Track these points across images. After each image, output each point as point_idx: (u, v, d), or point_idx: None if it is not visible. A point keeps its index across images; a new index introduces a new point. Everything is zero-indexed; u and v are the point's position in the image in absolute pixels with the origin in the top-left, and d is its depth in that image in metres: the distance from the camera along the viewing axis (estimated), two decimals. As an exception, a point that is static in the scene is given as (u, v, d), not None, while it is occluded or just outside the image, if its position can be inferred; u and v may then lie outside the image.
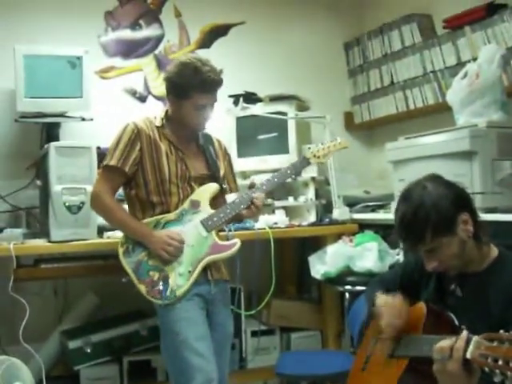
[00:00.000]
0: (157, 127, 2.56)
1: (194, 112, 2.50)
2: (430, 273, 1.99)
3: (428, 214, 1.82)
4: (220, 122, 3.46)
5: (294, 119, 3.82)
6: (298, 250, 4.12)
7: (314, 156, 2.71)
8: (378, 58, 4.27)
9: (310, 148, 2.72)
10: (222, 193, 2.65)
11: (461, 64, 3.49)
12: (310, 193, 3.82)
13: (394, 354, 1.95)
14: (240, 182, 3.42)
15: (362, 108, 4.45)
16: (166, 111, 2.62)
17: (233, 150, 3.89)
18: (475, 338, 1.50)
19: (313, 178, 3.83)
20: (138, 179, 2.53)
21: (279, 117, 3.74)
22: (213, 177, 2.62)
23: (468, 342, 1.52)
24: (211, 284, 2.51)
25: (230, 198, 2.64)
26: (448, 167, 2.75)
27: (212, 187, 2.59)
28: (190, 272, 2.43)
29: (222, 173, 2.68)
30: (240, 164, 3.88)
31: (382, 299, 2.03)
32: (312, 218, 3.77)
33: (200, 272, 2.45)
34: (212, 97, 2.51)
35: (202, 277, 2.47)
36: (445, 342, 1.58)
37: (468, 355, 1.49)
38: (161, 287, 2.38)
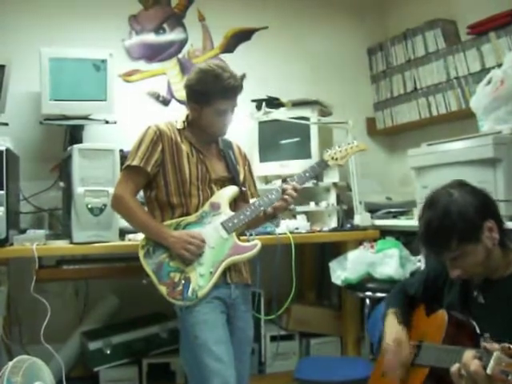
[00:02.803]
0: (178, 130, 2.57)
1: (215, 117, 2.52)
2: (453, 279, 1.98)
3: (454, 222, 1.81)
4: (242, 127, 3.51)
5: (316, 124, 3.81)
6: (318, 255, 4.09)
7: (332, 158, 2.71)
8: (402, 63, 4.24)
9: (327, 151, 2.73)
10: (242, 196, 2.66)
11: (485, 70, 3.46)
12: (332, 198, 3.81)
13: (414, 362, 1.94)
14: (262, 186, 3.59)
15: (385, 114, 4.42)
16: (187, 115, 2.64)
17: (255, 155, 3.89)
18: (496, 354, 1.48)
19: (334, 184, 3.81)
20: (159, 180, 2.52)
21: (302, 122, 3.73)
22: (233, 180, 2.62)
23: (480, 358, 1.52)
24: (231, 287, 2.50)
25: (251, 202, 2.64)
26: (471, 174, 2.70)
27: (232, 190, 2.59)
28: (211, 273, 2.41)
29: (241, 177, 2.68)
30: (262, 169, 3.88)
31: (389, 337, 2.06)
32: (333, 223, 3.75)
33: (221, 273, 2.44)
34: (232, 102, 2.52)
35: (221, 280, 2.46)
36: (456, 367, 1.58)
37: (489, 371, 1.48)
38: (182, 288, 2.38)
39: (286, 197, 2.52)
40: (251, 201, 2.64)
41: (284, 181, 2.60)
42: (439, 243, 1.84)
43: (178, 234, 2.44)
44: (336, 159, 2.71)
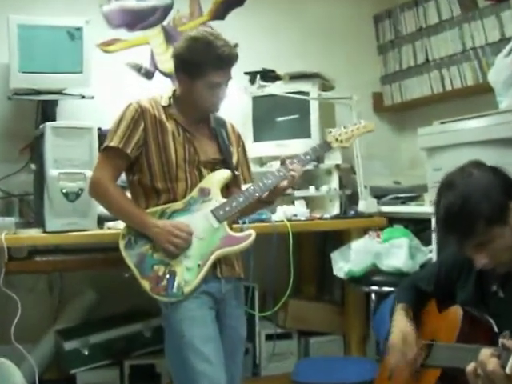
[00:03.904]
0: (163, 107, 2.56)
1: (208, 91, 2.50)
2: (468, 272, 1.98)
3: (479, 203, 1.80)
4: (234, 103, 3.45)
5: (316, 100, 3.77)
6: (319, 245, 4.07)
7: (336, 140, 2.71)
8: (412, 32, 4.20)
9: (331, 131, 2.73)
10: (235, 181, 2.64)
11: (505, 40, 3.43)
12: (334, 182, 3.78)
13: (425, 363, 1.94)
14: (256, 169, 3.53)
15: (393, 88, 4.39)
16: (174, 90, 2.62)
17: (248, 134, 3.85)
18: None
19: (337, 166, 3.78)
20: (142, 163, 2.51)
21: (300, 97, 3.69)
22: (225, 162, 2.61)
23: (498, 356, 1.53)
24: (221, 282, 2.50)
25: (244, 187, 2.64)
26: (489, 155, 2.57)
27: (224, 173, 2.58)
28: (199, 266, 2.40)
29: (235, 159, 2.67)
30: (256, 149, 3.84)
31: (396, 335, 2.07)
32: (335, 210, 3.72)
33: (210, 266, 2.43)
34: (227, 74, 2.51)
35: (210, 274, 2.46)
36: (472, 366, 1.59)
37: (508, 371, 1.48)
38: (167, 283, 2.37)
39: (288, 178, 2.54)
40: (245, 186, 2.64)
41: (283, 163, 2.60)
42: (463, 228, 1.82)
43: (162, 224, 2.43)
44: (341, 141, 2.72)
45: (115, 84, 3.84)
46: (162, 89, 2.72)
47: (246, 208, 2.54)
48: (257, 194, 2.51)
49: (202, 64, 2.43)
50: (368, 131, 2.80)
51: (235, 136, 2.75)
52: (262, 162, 3.92)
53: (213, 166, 2.58)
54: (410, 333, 2.07)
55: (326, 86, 3.89)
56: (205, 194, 2.50)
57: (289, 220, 3.31)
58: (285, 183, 2.54)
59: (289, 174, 2.53)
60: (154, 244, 2.43)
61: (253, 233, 2.48)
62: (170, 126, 2.51)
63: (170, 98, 2.59)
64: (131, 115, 2.48)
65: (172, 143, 2.50)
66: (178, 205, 2.49)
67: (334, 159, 3.76)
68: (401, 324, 2.11)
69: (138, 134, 2.47)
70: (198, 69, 2.45)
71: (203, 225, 2.47)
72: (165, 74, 4.00)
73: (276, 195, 2.61)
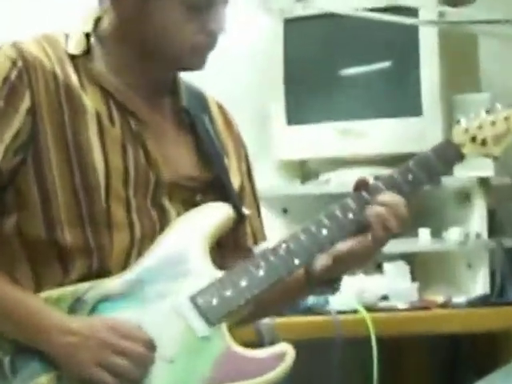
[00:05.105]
0: (72, 57, 1.77)
1: (184, 19, 1.75)
2: None
3: None
4: (243, 34, 2.83)
5: (436, 26, 2.83)
6: (440, 363, 3.18)
7: (473, 140, 1.88)
8: None
9: (461, 122, 1.88)
10: (240, 231, 1.87)
11: None
12: (477, 220, 2.85)
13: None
14: (292, 190, 3.03)
15: None
16: (97, 20, 1.82)
17: (275, 105, 2.92)
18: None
19: (483, 182, 2.82)
20: (26, 187, 1.72)
21: (398, 20, 2.69)
22: (215, 186, 1.86)
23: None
24: None
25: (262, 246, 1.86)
26: None
27: (219, 212, 1.84)
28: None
29: (236, 181, 1.91)
30: (293, 142, 2.91)
31: None
32: (479, 286, 2.82)
33: None
34: None
35: None
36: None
37: None
38: None
39: (373, 225, 1.75)
40: (264, 244, 1.90)
41: (359, 188, 1.80)
42: None
43: (83, 326, 1.67)
44: (484, 141, 1.89)
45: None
46: (70, 19, 1.92)
47: (271, 293, 1.76)
48: (296, 262, 1.74)
49: None
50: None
51: (231, 133, 2.00)
52: (305, 172, 3.04)
53: (189, 196, 1.83)
54: None
55: None
56: (175, 259, 1.77)
57: (370, 309, 2.57)
58: (367, 237, 1.77)
59: (374, 212, 1.77)
60: (59, 374, 1.68)
61: (288, 350, 1.69)
62: (90, 100, 1.76)
63: (87, 38, 1.81)
64: (2, 77, 1.73)
65: (97, 141, 1.74)
66: (113, 283, 1.74)
67: (476, 168, 2.77)
68: None
69: (15, 121, 1.72)
70: None
71: (174, 332, 1.72)
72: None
73: (347, 265, 1.82)
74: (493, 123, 1.89)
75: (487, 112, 1.90)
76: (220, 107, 2.00)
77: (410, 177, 1.83)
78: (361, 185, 1.80)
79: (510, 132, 1.90)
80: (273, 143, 2.80)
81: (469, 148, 1.88)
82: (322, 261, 1.77)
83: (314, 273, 1.80)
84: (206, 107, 1.99)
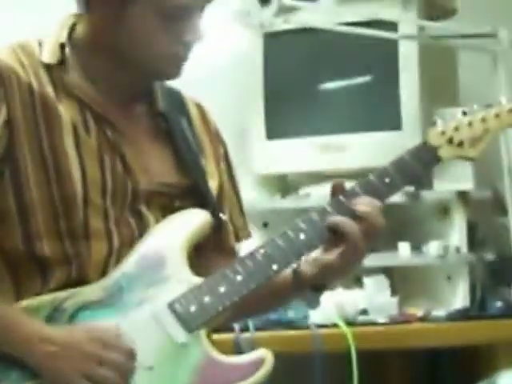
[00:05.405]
0: (46, 66, 1.78)
1: (159, 29, 1.75)
2: None
3: None
4: (222, 48, 2.94)
5: (413, 41, 2.87)
6: (423, 376, 3.18)
7: (450, 141, 1.88)
8: None
9: (438, 122, 1.88)
10: (218, 236, 1.89)
11: None
12: (456, 234, 2.87)
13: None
14: (273, 204, 3.04)
15: None
16: (72, 26, 1.81)
17: (254, 120, 2.96)
18: None
19: (462, 196, 2.82)
20: (3, 200, 1.73)
21: (377, 34, 2.73)
22: (193, 193, 1.86)
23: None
24: None
25: (242, 250, 1.93)
26: None
27: (196, 218, 1.84)
28: None
29: (214, 185, 1.91)
30: (272, 156, 2.95)
31: None
32: (458, 300, 2.83)
33: None
34: None
35: None
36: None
37: None
38: None
39: (347, 229, 1.74)
40: (243, 247, 1.96)
41: (336, 193, 1.80)
42: None
43: (64, 335, 1.67)
44: (460, 144, 1.88)
45: None
46: (44, 26, 1.88)
47: (251, 298, 1.76)
48: (274, 267, 1.74)
49: None
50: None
51: (209, 132, 1.99)
52: (285, 186, 3.05)
53: (167, 202, 1.84)
54: None
55: (436, 8, 2.97)
56: (153, 265, 1.78)
57: (350, 323, 2.58)
58: (339, 252, 1.75)
59: (354, 215, 1.77)
60: (40, 383, 1.68)
61: (267, 356, 1.71)
62: (66, 110, 1.75)
63: (61, 46, 1.80)
64: None
65: (73, 152, 1.75)
66: (92, 291, 1.75)
67: (454, 180, 2.83)
68: None
69: None
70: None
71: (153, 338, 1.73)
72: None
73: (333, 273, 1.79)
74: (470, 124, 1.88)
75: (464, 113, 1.89)
76: (198, 106, 2.01)
77: (387, 180, 1.83)
78: (338, 189, 1.80)
79: (486, 133, 1.90)
80: (252, 157, 2.79)
81: (445, 150, 1.87)
82: (308, 266, 1.79)
83: (302, 276, 1.81)
84: (183, 108, 1.99)
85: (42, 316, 1.68)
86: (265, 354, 1.68)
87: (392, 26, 2.80)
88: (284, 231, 1.77)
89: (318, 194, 2.75)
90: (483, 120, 1.85)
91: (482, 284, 2.85)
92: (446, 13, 3.00)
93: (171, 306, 1.66)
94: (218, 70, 2.84)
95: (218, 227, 1.86)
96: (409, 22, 2.89)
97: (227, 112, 2.32)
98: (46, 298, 1.70)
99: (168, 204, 1.81)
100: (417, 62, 2.84)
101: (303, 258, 1.80)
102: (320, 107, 3.00)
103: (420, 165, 1.86)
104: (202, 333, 1.69)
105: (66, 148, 1.73)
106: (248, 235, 2.04)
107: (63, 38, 1.79)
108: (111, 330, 1.66)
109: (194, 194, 1.86)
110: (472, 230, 2.92)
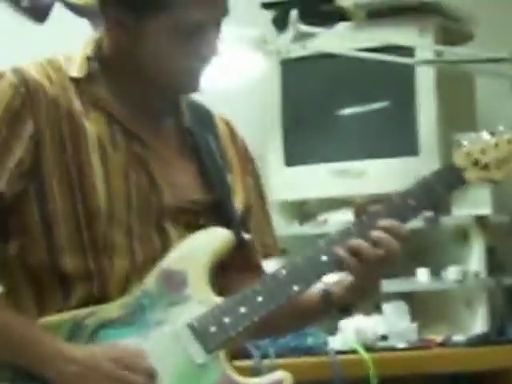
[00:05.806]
0: (74, 81, 1.76)
1: (176, 45, 1.73)
2: None
3: None
4: (238, 74, 2.84)
5: (431, 66, 2.84)
6: None
7: (475, 163, 1.85)
8: None
9: (463, 143, 1.85)
10: (243, 254, 1.84)
11: None
12: (475, 258, 2.88)
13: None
14: (292, 230, 3.02)
15: None
16: (98, 44, 1.80)
17: (272, 147, 3.02)
18: None
19: (480, 221, 2.82)
20: (28, 214, 1.71)
21: (395, 59, 2.72)
22: (218, 210, 1.83)
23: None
24: None
25: (267, 268, 1.89)
26: None
27: (219, 237, 1.80)
28: None
29: (240, 203, 1.88)
30: (291, 181, 2.98)
31: None
32: (478, 325, 2.83)
33: None
34: (218, 6, 1.77)
35: None
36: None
37: None
38: None
39: (367, 253, 1.71)
40: (268, 265, 1.91)
41: (359, 214, 1.98)
42: None
43: (85, 355, 1.63)
44: (485, 167, 1.85)
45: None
46: (71, 44, 1.88)
47: (275, 317, 1.74)
48: (295, 288, 1.72)
49: None
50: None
51: (237, 148, 1.98)
52: (302, 213, 3.05)
53: (192, 219, 1.81)
54: None
55: (452, 33, 2.95)
56: (174, 284, 1.74)
57: (369, 349, 2.57)
58: (360, 276, 1.73)
59: (370, 239, 1.74)
60: None
61: (286, 378, 1.71)
62: (92, 124, 1.75)
63: (87, 61, 1.80)
64: (5, 103, 1.73)
65: (99, 166, 1.73)
66: (113, 309, 1.72)
67: (472, 205, 2.83)
68: None
69: (18, 148, 1.72)
70: None
71: (172, 359, 1.71)
72: (76, 10, 3.11)
73: (358, 292, 1.78)
74: (496, 146, 1.86)
75: (491, 133, 1.86)
76: (227, 123, 2.00)
77: (412, 201, 1.82)
78: (361, 210, 1.84)
79: None
80: (271, 184, 2.78)
81: (471, 172, 1.85)
82: (336, 287, 1.80)
83: (331, 297, 1.81)
84: (211, 124, 1.99)
85: (63, 333, 1.69)
86: (283, 376, 1.68)
87: (409, 51, 2.80)
88: (306, 252, 1.76)
89: (336, 220, 2.78)
90: (509, 142, 1.82)
91: (502, 309, 2.83)
92: (463, 38, 3.00)
93: (191, 326, 1.66)
94: (236, 97, 2.85)
95: (240, 246, 1.85)
96: (425, 48, 2.89)
97: (246, 139, 2.39)
98: (68, 314, 1.70)
99: (192, 221, 1.81)
100: (434, 87, 2.85)
101: (329, 279, 1.79)
102: (337, 133, 3.03)
103: (445, 187, 1.86)
104: (222, 353, 1.68)
105: (92, 162, 1.75)
106: (278, 252, 2.02)
107: (90, 52, 1.83)
108: (133, 351, 1.67)
109: (219, 211, 1.86)
110: (491, 254, 2.90)
